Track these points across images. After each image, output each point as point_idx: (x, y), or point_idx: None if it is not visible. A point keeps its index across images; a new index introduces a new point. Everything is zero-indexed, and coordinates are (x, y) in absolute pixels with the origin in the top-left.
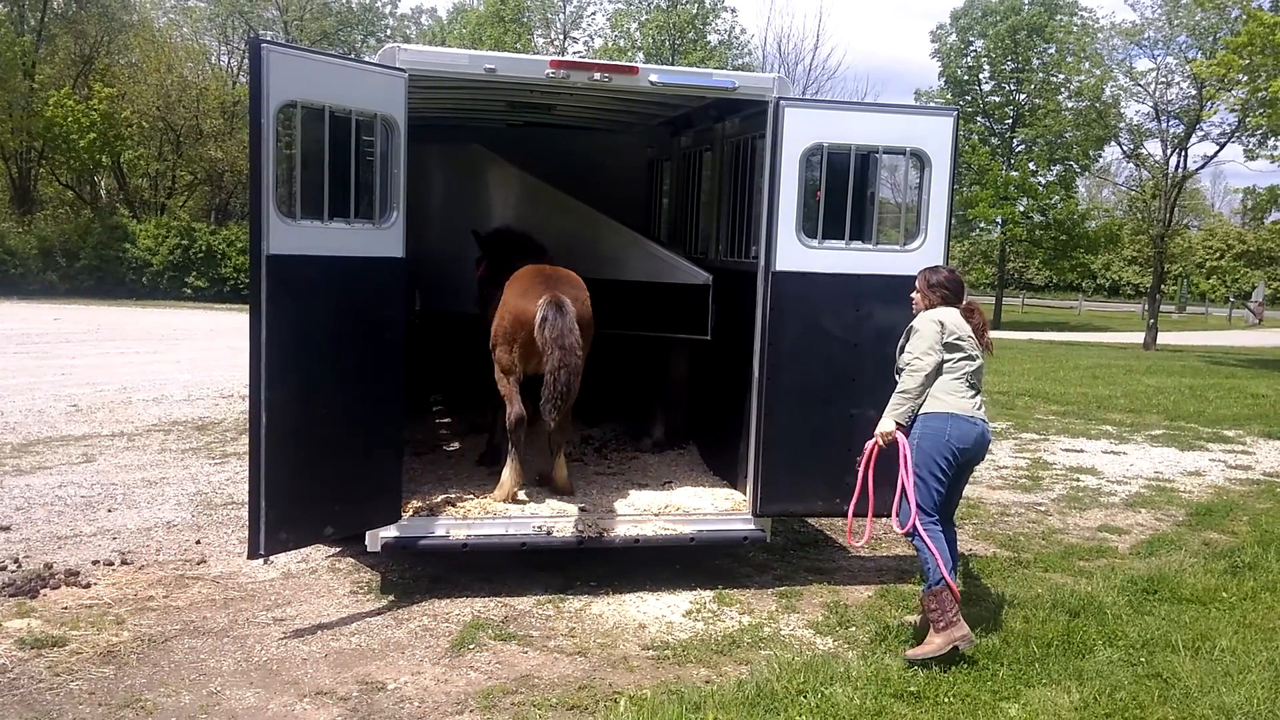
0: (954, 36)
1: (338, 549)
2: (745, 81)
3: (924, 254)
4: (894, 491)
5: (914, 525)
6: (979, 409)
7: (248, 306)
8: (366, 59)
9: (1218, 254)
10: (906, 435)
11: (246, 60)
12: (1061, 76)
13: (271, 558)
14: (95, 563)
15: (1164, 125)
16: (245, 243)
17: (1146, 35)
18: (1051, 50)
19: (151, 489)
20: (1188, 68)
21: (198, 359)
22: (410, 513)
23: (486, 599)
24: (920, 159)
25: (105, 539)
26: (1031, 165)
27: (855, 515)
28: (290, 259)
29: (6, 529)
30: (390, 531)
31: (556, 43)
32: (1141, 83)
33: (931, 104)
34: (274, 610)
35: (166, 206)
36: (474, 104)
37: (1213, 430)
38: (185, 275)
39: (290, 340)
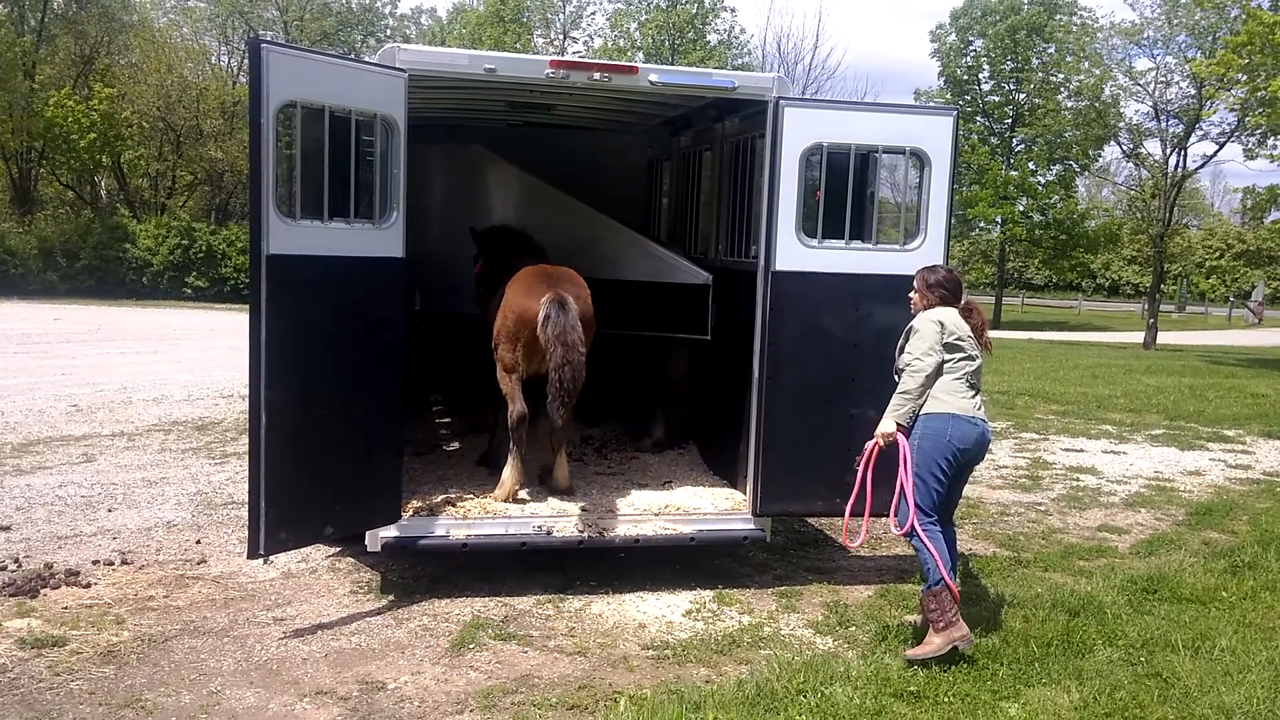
0: (954, 36)
1: (338, 549)
2: (745, 81)
3: (924, 253)
4: (892, 492)
5: (912, 526)
6: (979, 409)
7: (248, 306)
8: (366, 59)
9: (1217, 253)
10: (907, 436)
11: (246, 60)
12: (1061, 76)
13: (271, 558)
14: (95, 563)
15: (1163, 125)
16: (245, 243)
17: (1146, 35)
18: (1051, 50)
19: (151, 489)
20: (1187, 67)
21: (198, 359)
22: (410, 513)
23: (486, 599)
24: (920, 159)
25: (105, 539)
26: (1031, 165)
27: (852, 515)
28: (290, 259)
29: (6, 529)
30: (390, 531)
31: (556, 43)
32: (1141, 82)
33: (931, 104)
34: (274, 610)
35: (166, 206)
36: (474, 104)
37: (1213, 430)
38: (185, 275)
39: (290, 340)
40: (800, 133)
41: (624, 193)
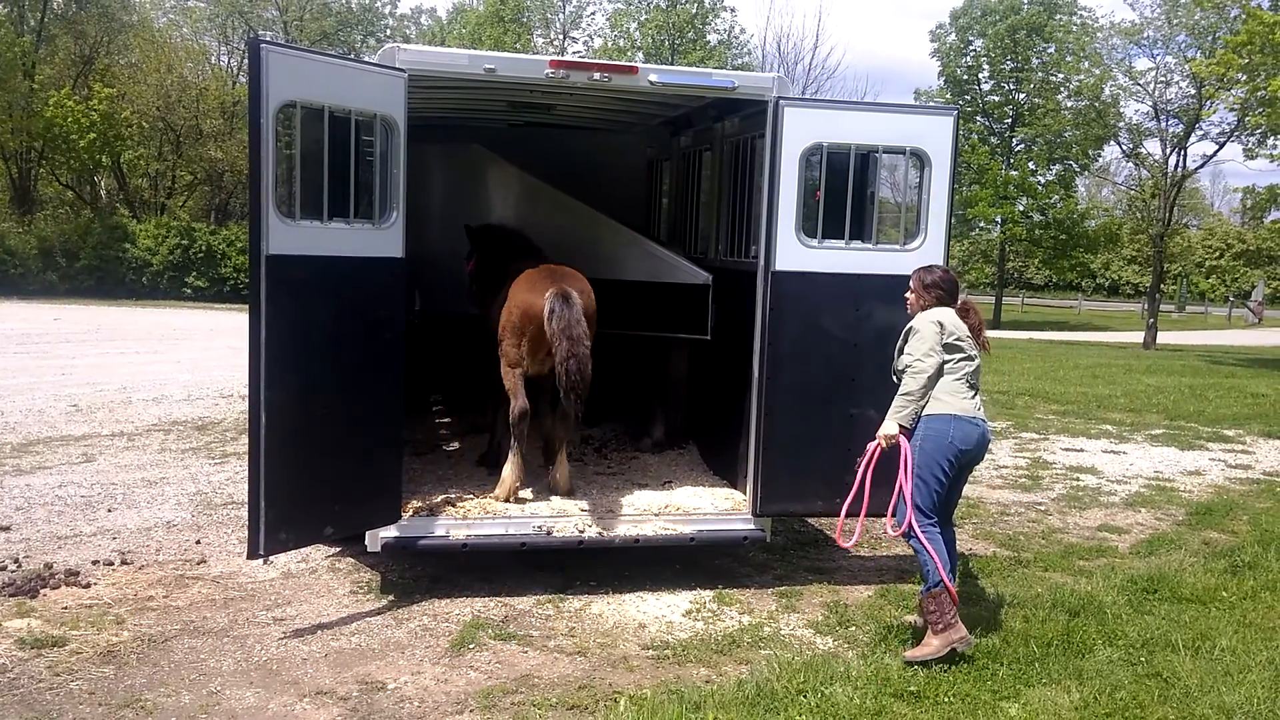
0: (953, 36)
1: (338, 549)
2: (745, 81)
3: (924, 253)
4: (892, 492)
5: (910, 527)
6: (979, 409)
7: (247, 306)
8: (366, 59)
9: (1217, 253)
10: (909, 438)
11: (246, 60)
12: (1061, 76)
13: (271, 558)
14: (95, 563)
15: (1163, 124)
16: (245, 243)
17: (1146, 34)
18: (1051, 50)
19: (151, 489)
20: (1187, 67)
21: (198, 359)
22: (410, 513)
23: (486, 599)
24: (920, 158)
25: (105, 539)
26: (1031, 165)
27: (849, 515)
28: (290, 259)
29: (6, 529)
30: (390, 531)
31: (556, 43)
32: (1141, 82)
33: (931, 103)
34: (274, 610)
35: (166, 206)
36: (474, 104)
37: (1213, 429)
38: (185, 275)
39: (290, 340)
40: (800, 133)
41: (624, 193)
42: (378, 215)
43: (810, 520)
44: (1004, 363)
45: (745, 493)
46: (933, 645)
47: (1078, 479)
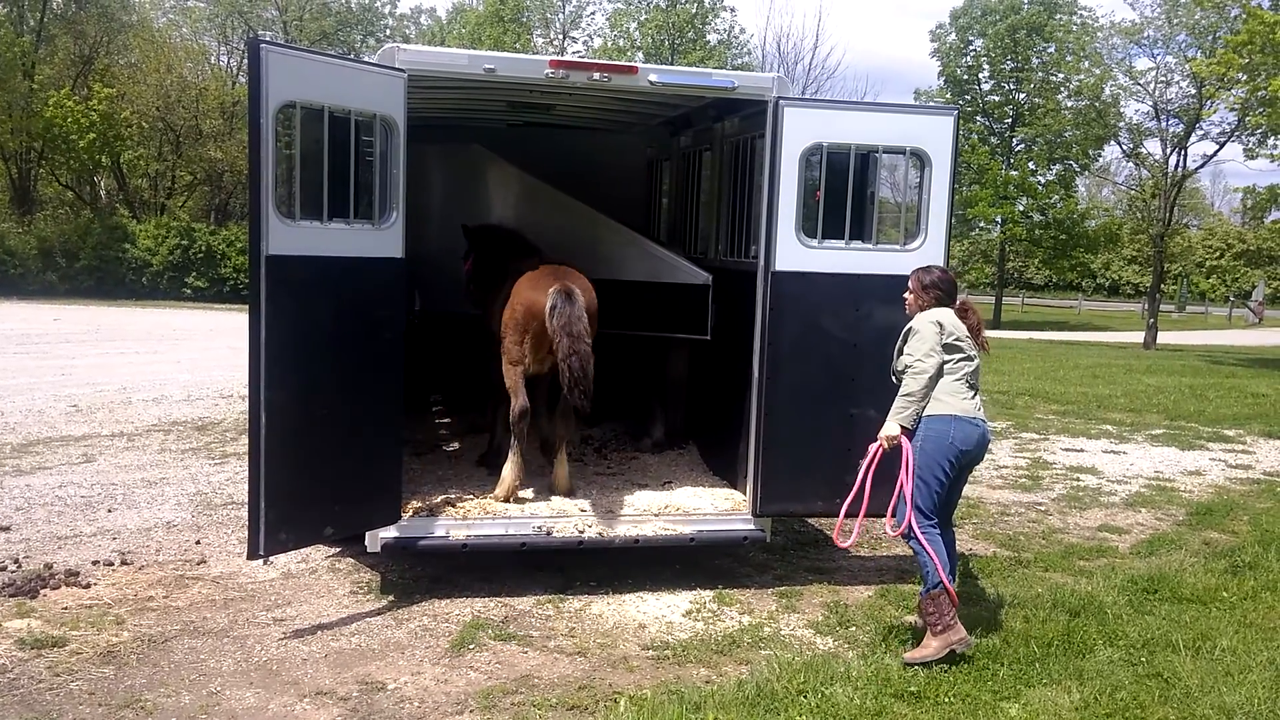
0: (953, 36)
1: (338, 549)
2: (744, 81)
3: (924, 254)
4: (892, 492)
5: (910, 528)
6: (979, 410)
7: (247, 307)
8: (366, 59)
9: (1217, 253)
10: (910, 438)
11: (246, 61)
12: (1061, 76)
13: (271, 558)
14: (95, 563)
15: (1163, 124)
16: (245, 243)
17: (1146, 34)
18: (1051, 49)
19: (151, 489)
20: (1187, 67)
21: (198, 359)
22: (410, 513)
23: (486, 599)
24: (920, 158)
25: (105, 539)
26: (1031, 165)
27: (848, 516)
28: (290, 259)
29: (6, 529)
30: (390, 532)
31: (556, 43)
32: (1141, 82)
33: (931, 103)
34: (274, 610)
35: (166, 207)
36: (474, 104)
37: (1213, 429)
38: (185, 275)
39: (290, 341)
40: (800, 133)
41: (624, 193)
42: (377, 215)
43: (810, 520)
44: (1004, 363)
45: (745, 493)
46: (932, 647)
47: (1078, 479)
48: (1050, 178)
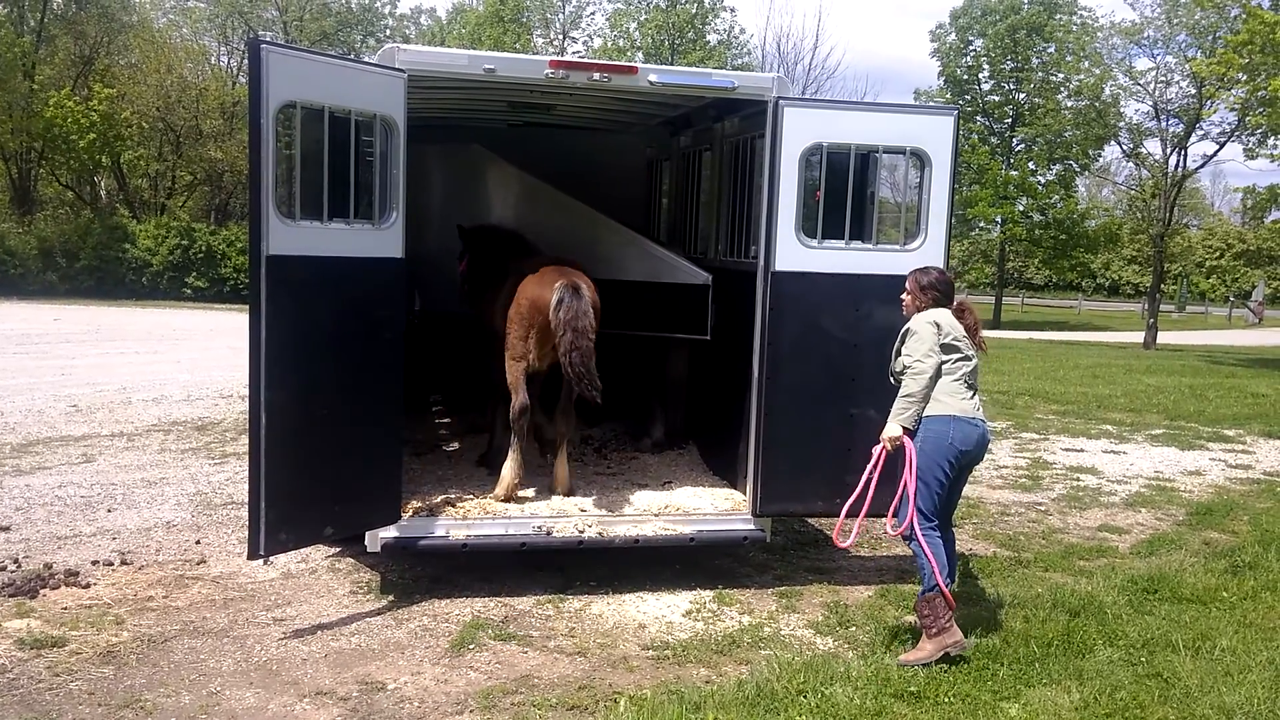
0: (953, 36)
1: (338, 549)
2: (744, 81)
3: (924, 254)
4: (893, 493)
5: (912, 529)
6: (978, 410)
7: (247, 307)
8: (366, 59)
9: (1217, 253)
10: (912, 438)
11: (246, 61)
12: (1061, 76)
13: (271, 558)
14: (95, 563)
15: (1163, 124)
16: (245, 243)
17: (1146, 34)
18: (1051, 49)
19: (151, 489)
20: (1187, 67)
21: (197, 359)
22: (410, 513)
23: (486, 599)
24: (920, 158)
25: (105, 539)
26: (1031, 165)
27: (849, 516)
28: (290, 259)
29: (6, 529)
30: (390, 532)
31: (556, 43)
32: (1141, 82)
33: (931, 103)
34: (274, 610)
35: (166, 207)
36: (474, 104)
37: (1213, 429)
38: (185, 275)
39: (290, 341)
40: (800, 133)
41: (624, 193)
42: (377, 215)
43: (810, 520)
44: (1004, 363)
45: (745, 493)
46: (926, 650)
47: (1078, 479)
48: (1050, 178)
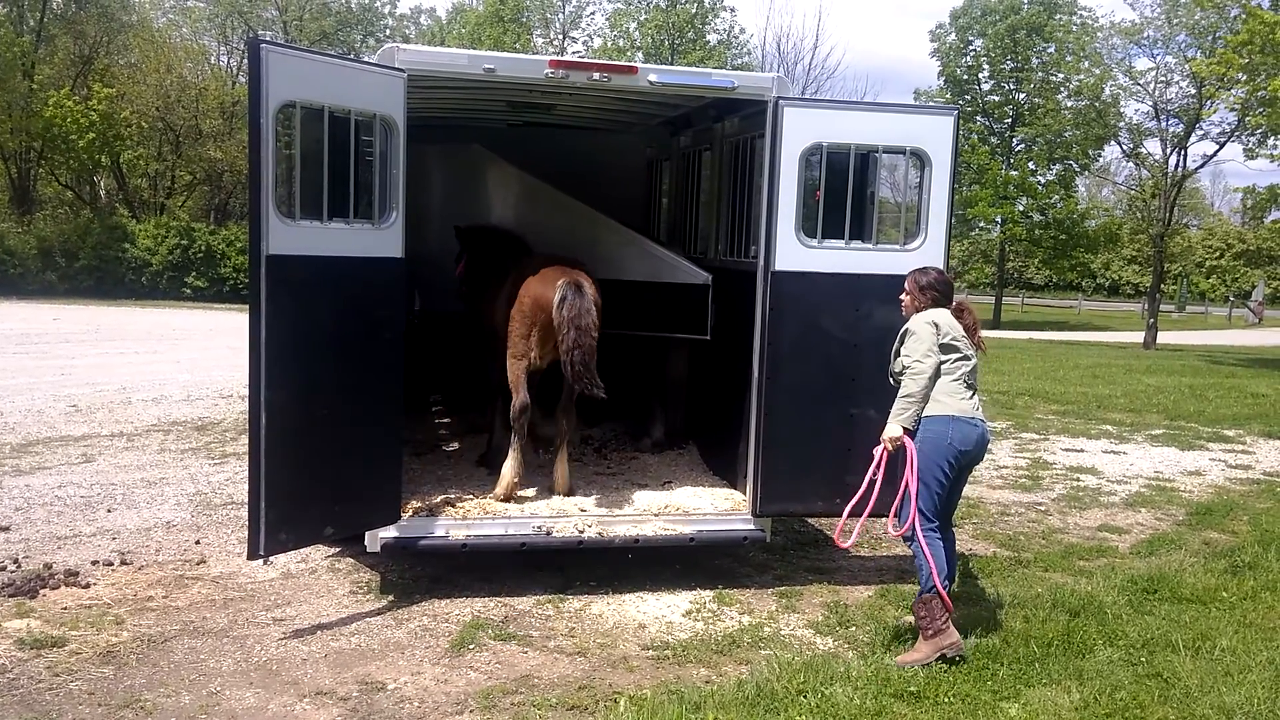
0: (953, 36)
1: (338, 549)
2: (744, 81)
3: (924, 254)
4: (893, 493)
5: (913, 529)
6: (977, 409)
7: (247, 307)
8: (365, 59)
9: (1217, 253)
10: (912, 439)
11: (246, 60)
12: (1061, 76)
13: (271, 558)
14: (95, 563)
15: (1163, 124)
16: (245, 243)
17: (1146, 34)
18: (1051, 49)
19: (151, 489)
20: (1187, 67)
21: (197, 359)
22: (410, 513)
23: (486, 599)
24: (920, 158)
25: (105, 539)
26: (1031, 165)
27: (852, 516)
28: (290, 259)
29: (6, 529)
30: (390, 532)
31: (555, 42)
32: (1141, 82)
33: (931, 103)
34: (274, 610)
35: (166, 206)
36: (474, 104)
37: (1213, 430)
38: (185, 275)
39: (290, 340)
40: (800, 132)
41: (624, 193)
42: (377, 215)
43: (810, 520)
44: (1004, 363)
45: (745, 493)
46: (922, 651)
47: (1078, 479)
48: (1050, 178)
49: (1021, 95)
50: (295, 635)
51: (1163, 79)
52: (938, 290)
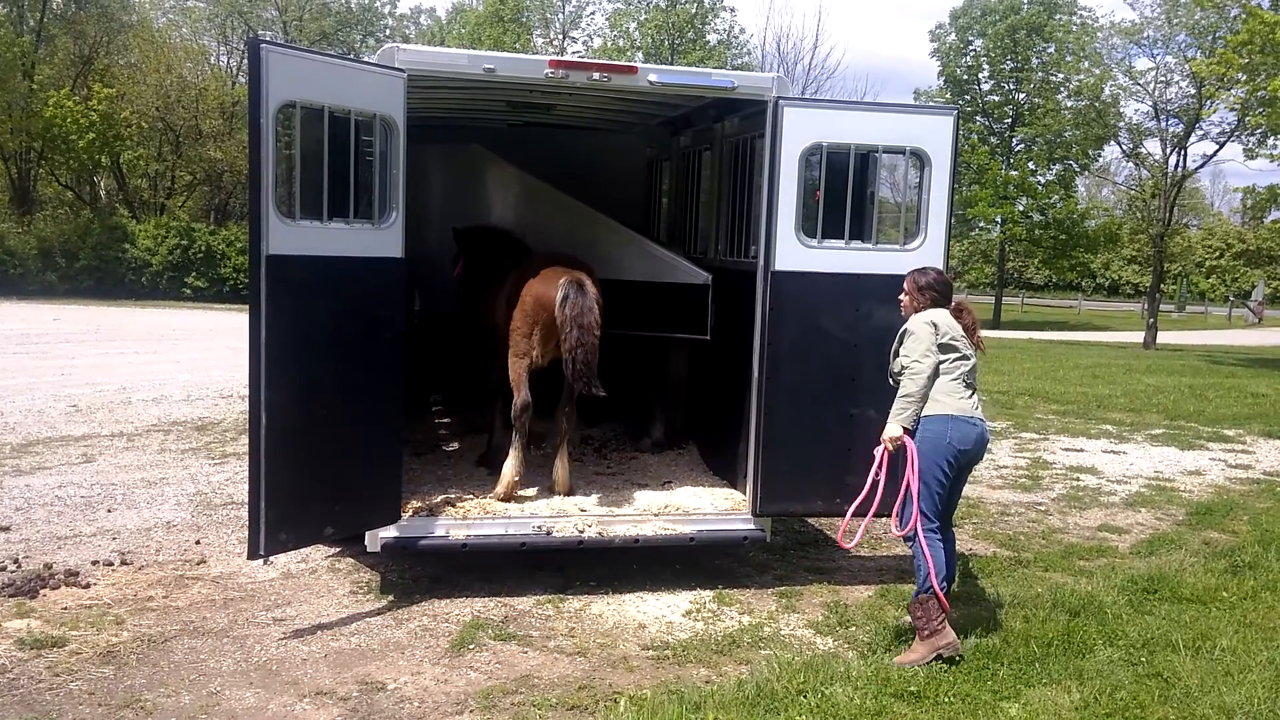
0: (953, 36)
1: (338, 549)
2: (744, 81)
3: (924, 253)
4: (894, 493)
5: (915, 529)
6: (977, 409)
7: (247, 307)
8: (365, 59)
9: (1217, 253)
10: (912, 438)
11: (246, 60)
12: (1061, 76)
13: (271, 558)
14: (95, 563)
15: (1163, 124)
16: (245, 243)
17: (1146, 34)
18: (1051, 49)
19: (151, 489)
20: (1187, 67)
21: (197, 359)
22: (410, 513)
23: (486, 599)
24: (920, 158)
25: (105, 539)
26: (1031, 165)
27: (855, 517)
28: (290, 259)
29: (6, 529)
30: (390, 532)
31: (555, 42)
32: (1141, 82)
33: (931, 103)
34: (274, 610)
35: (166, 207)
36: (474, 104)
37: (1213, 429)
38: (185, 275)
39: (290, 340)
40: (800, 132)
41: (624, 193)
42: (377, 215)
43: (810, 520)
44: (1004, 363)
45: (745, 493)
46: (919, 652)
47: (1078, 479)
48: (1050, 178)
49: (1021, 95)
50: (295, 635)
51: (1163, 79)
52: (936, 290)
